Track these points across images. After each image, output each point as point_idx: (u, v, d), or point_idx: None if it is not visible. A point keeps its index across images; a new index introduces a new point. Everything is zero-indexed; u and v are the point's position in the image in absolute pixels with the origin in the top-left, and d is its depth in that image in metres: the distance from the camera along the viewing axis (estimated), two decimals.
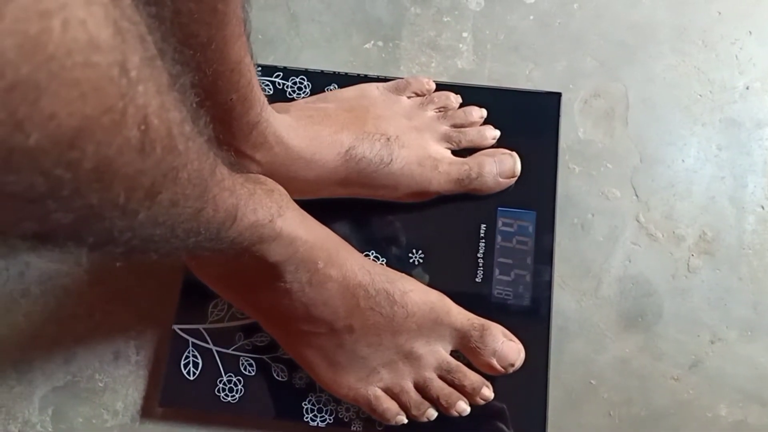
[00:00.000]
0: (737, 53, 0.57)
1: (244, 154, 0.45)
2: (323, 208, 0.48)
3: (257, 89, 0.43)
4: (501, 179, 0.51)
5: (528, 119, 0.54)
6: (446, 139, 0.52)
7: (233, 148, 0.44)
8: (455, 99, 0.54)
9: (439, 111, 0.53)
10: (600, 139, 0.55)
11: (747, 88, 0.56)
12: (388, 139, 0.50)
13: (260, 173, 0.46)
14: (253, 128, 0.44)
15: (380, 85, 0.54)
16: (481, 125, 0.53)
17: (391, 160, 0.49)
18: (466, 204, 0.52)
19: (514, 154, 0.52)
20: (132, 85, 0.21)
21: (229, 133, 0.43)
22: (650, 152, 0.55)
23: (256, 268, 0.42)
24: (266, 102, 0.44)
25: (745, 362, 0.50)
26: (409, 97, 0.54)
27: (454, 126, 0.53)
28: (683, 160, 0.54)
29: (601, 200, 0.54)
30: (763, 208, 0.53)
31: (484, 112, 0.54)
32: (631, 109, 0.56)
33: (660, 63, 0.57)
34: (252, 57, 0.41)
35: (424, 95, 0.54)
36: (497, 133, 0.53)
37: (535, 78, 0.57)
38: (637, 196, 0.54)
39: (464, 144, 0.52)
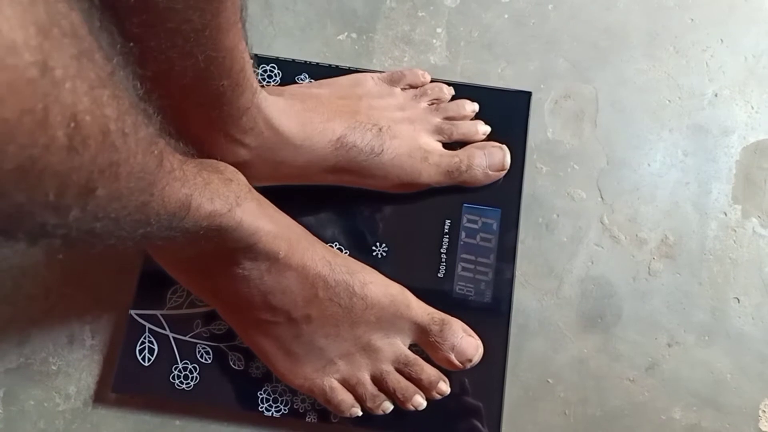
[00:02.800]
0: (708, 60, 0.57)
1: (234, 138, 0.44)
2: (291, 196, 0.48)
3: (250, 75, 0.42)
4: (490, 172, 0.51)
5: (497, 117, 0.54)
6: (438, 131, 0.52)
7: (222, 131, 0.43)
8: (448, 91, 0.54)
9: (432, 103, 0.53)
10: (568, 140, 0.56)
11: (716, 96, 0.56)
12: (380, 129, 0.49)
13: (249, 158, 0.45)
14: (243, 113, 0.43)
15: (375, 75, 0.54)
16: (473, 118, 0.53)
17: (382, 150, 0.49)
18: (432, 199, 0.52)
19: (504, 147, 0.52)
20: (57, 84, 0.20)
21: (219, 117, 0.42)
22: (617, 155, 0.55)
23: (214, 254, 0.42)
24: (259, 88, 0.43)
25: (702, 366, 0.50)
26: (403, 89, 0.54)
27: (447, 118, 0.53)
28: (649, 164, 0.55)
29: (566, 201, 0.54)
30: (725, 214, 0.53)
31: (476, 106, 0.54)
32: (601, 111, 0.56)
33: (631, 67, 0.57)
34: (247, 43, 0.41)
35: (418, 87, 0.54)
36: (488, 128, 0.53)
37: (506, 76, 0.57)
38: (602, 198, 0.54)
39: (456, 137, 0.52)
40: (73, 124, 0.21)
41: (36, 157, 0.20)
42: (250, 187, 0.42)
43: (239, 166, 0.44)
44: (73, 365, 0.51)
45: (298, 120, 0.46)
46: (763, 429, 0.49)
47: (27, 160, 0.20)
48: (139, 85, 0.28)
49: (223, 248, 0.40)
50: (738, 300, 0.52)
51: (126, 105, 0.26)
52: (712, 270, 0.52)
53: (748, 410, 0.49)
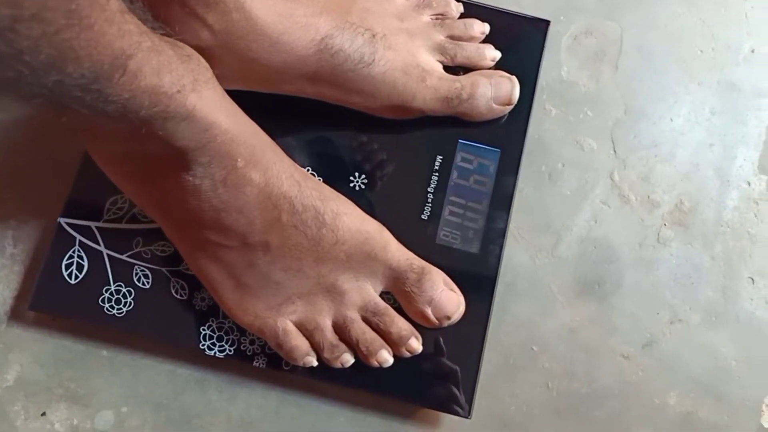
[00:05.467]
0: (748, 12, 0.51)
1: (193, 11, 0.37)
2: (261, 107, 0.40)
3: None
4: (495, 105, 0.44)
5: (508, 45, 0.47)
6: (440, 50, 0.45)
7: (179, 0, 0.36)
8: (456, 7, 0.46)
9: (436, 18, 0.46)
10: (584, 83, 0.49)
11: (752, 52, 0.50)
12: (374, 35, 0.42)
13: (213, 44, 0.38)
14: None
15: None
16: (481, 42, 0.46)
17: (373, 60, 0.41)
18: (424, 130, 0.45)
19: (514, 78, 0.45)
20: None
21: None
22: (637, 105, 0.48)
23: (160, 153, 0.35)
24: None
25: (705, 350, 0.45)
26: None
27: (451, 37, 0.45)
28: (672, 119, 0.48)
29: (574, 150, 0.48)
30: (749, 184, 0.47)
31: (486, 28, 0.46)
32: (624, 54, 0.49)
33: (664, 9, 0.50)
34: None
35: None
36: (498, 54, 0.46)
37: (523, 2, 0.50)
38: (615, 151, 0.48)
39: (459, 60, 0.45)
40: None
41: None
42: (213, 74, 0.35)
43: (201, 53, 0.36)
44: None
45: (277, 9, 0.39)
46: (766, 425, 0.44)
47: None
48: None
49: (171, 146, 0.33)
50: (752, 280, 0.46)
51: None
52: (727, 244, 0.46)
53: (751, 403, 0.44)
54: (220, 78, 0.37)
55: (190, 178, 0.36)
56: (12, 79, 0.23)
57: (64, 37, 0.23)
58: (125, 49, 0.27)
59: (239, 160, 0.36)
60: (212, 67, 0.36)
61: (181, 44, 0.34)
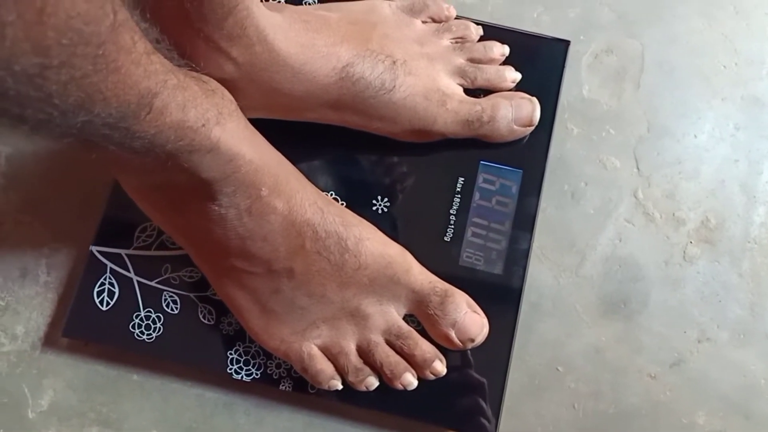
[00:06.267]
0: None
1: (218, 46, 0.38)
2: (284, 133, 0.41)
3: None
4: (516, 127, 0.45)
5: (528, 66, 0.47)
6: (460, 73, 0.45)
7: (203, 34, 0.37)
8: (476, 30, 0.47)
9: (456, 41, 0.46)
10: (606, 101, 0.49)
11: None
12: (394, 62, 0.43)
13: (237, 77, 0.39)
14: (228, 14, 0.36)
15: (393, 2, 0.47)
16: (501, 64, 0.47)
17: (394, 86, 0.42)
18: (445, 152, 0.46)
19: (534, 99, 0.45)
20: None
21: (198, 13, 0.35)
22: (660, 122, 0.48)
23: (186, 184, 0.36)
24: None
25: (734, 368, 0.44)
26: (424, 22, 0.47)
27: (471, 60, 0.46)
28: (695, 136, 0.48)
29: (597, 168, 0.48)
30: None
31: (506, 50, 0.47)
32: (646, 71, 0.49)
33: (684, 24, 0.50)
34: None
35: (441, 22, 0.47)
36: (518, 75, 0.46)
37: (543, 23, 0.50)
38: (638, 168, 0.47)
39: (479, 82, 0.45)
40: None
41: None
42: (237, 106, 0.36)
43: (225, 85, 0.37)
44: (24, 303, 0.45)
45: (298, 40, 0.40)
46: None
47: None
48: None
49: (196, 177, 0.34)
50: None
51: None
52: (755, 261, 0.46)
53: None
54: (244, 108, 0.37)
55: (216, 208, 0.36)
56: (42, 120, 0.24)
57: (92, 80, 0.24)
58: (151, 88, 0.27)
59: (263, 189, 0.37)
60: (236, 98, 0.37)
61: (205, 78, 0.35)
